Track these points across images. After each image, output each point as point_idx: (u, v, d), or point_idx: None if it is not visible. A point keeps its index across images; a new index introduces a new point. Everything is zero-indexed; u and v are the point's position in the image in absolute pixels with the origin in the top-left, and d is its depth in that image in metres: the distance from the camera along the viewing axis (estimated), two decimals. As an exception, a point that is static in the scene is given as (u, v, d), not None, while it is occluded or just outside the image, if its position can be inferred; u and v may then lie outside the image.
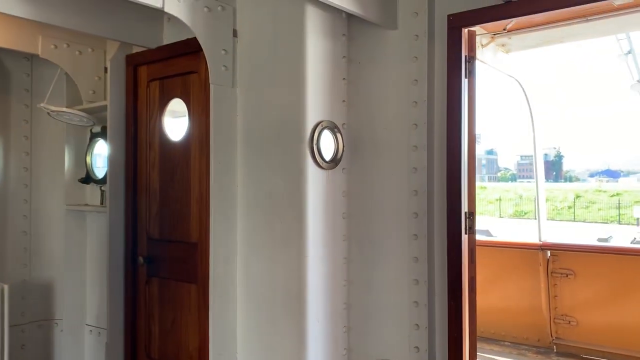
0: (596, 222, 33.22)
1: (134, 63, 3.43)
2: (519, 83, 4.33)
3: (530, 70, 4.49)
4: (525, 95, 4.46)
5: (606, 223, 32.66)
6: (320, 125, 2.56)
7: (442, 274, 2.61)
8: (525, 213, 36.45)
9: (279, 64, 2.64)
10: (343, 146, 2.71)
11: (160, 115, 3.26)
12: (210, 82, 2.74)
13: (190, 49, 2.96)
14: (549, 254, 4.69)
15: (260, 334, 2.67)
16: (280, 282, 2.61)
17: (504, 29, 3.06)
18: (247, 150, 2.71)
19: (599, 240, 22.14)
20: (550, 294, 4.67)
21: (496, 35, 3.48)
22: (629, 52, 24.15)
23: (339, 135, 2.68)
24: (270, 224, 2.65)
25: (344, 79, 2.78)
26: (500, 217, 37.31)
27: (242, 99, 2.73)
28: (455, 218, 2.57)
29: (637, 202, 33.22)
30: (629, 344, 4.30)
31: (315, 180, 2.56)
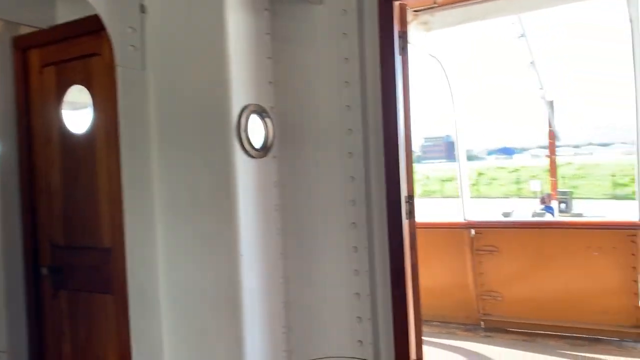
0: (499, 197, 35.33)
1: (23, 46, 2.97)
2: (440, 63, 4.31)
3: (448, 51, 4.47)
4: (447, 76, 4.46)
5: (507, 197, 34.84)
6: (247, 109, 2.30)
7: (384, 262, 2.47)
8: (433, 192, 38.03)
9: (195, 41, 2.35)
10: (273, 132, 2.48)
11: (58, 105, 2.84)
12: (116, 64, 2.41)
13: (90, 27, 2.59)
14: (473, 232, 4.75)
15: (190, 345, 2.39)
16: (210, 285, 2.35)
17: (434, 2, 2.95)
18: (163, 140, 2.40)
19: (504, 214, 23.55)
20: (476, 271, 4.74)
21: (419, 12, 3.38)
22: (522, 36, 25.61)
23: (268, 120, 2.45)
24: (195, 222, 2.37)
25: (269, 57, 2.54)
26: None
27: (154, 83, 2.41)
28: (394, 203, 2.43)
29: (533, 176, 35.72)
30: (551, 315, 4.46)
31: (244, 171, 2.31)
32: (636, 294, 4.10)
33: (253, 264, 2.36)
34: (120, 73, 2.41)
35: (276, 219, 2.55)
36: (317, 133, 2.56)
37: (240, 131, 2.26)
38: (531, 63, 25.59)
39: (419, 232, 4.97)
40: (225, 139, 2.26)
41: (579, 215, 21.10)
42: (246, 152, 2.30)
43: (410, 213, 2.51)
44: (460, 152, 4.85)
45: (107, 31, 2.40)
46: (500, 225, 4.73)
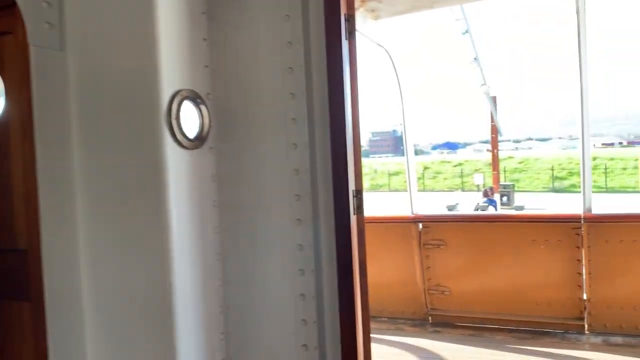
0: (443, 191, 36.15)
1: None
2: (388, 53, 4.19)
3: (396, 42, 4.36)
4: (394, 67, 4.35)
5: (452, 191, 35.70)
6: (179, 95, 2.08)
7: (331, 260, 2.32)
8: (380, 186, 38.51)
9: (121, 19, 2.11)
10: (209, 120, 2.27)
11: (-37, 89, 2.52)
12: (29, 44, 2.13)
13: (1, 2, 2.30)
14: (420, 226, 4.69)
15: (116, 356, 2.16)
16: (140, 290, 2.12)
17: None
18: (85, 129, 2.15)
19: (448, 207, 24.05)
20: (424, 265, 4.68)
21: (367, -1, 3.25)
22: (466, 32, 26.11)
23: (203, 108, 2.23)
24: (122, 220, 2.13)
25: (205, 39, 2.32)
26: (359, 191, 38.89)
27: (75, 66, 2.15)
28: (342, 197, 2.28)
29: (476, 170, 36.70)
30: (498, 308, 4.46)
31: (176, 163, 2.09)
32: (580, 286, 4.15)
33: (187, 265, 2.15)
34: (33, 53, 2.14)
35: (213, 216, 2.34)
36: (259, 122, 2.37)
37: (172, 119, 2.03)
38: (475, 59, 26.08)
39: (366, 227, 4.88)
40: (154, 128, 2.03)
41: (521, 207, 21.83)
42: (178, 142, 2.08)
43: (359, 208, 2.37)
44: (409, 146, 4.77)
45: (19, 6, 2.12)
46: (447, 219, 4.69)
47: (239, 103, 2.38)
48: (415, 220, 4.62)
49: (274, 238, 2.37)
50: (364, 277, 2.38)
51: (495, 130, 32.43)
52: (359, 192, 2.36)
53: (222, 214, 2.38)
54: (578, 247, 4.13)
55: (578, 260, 4.14)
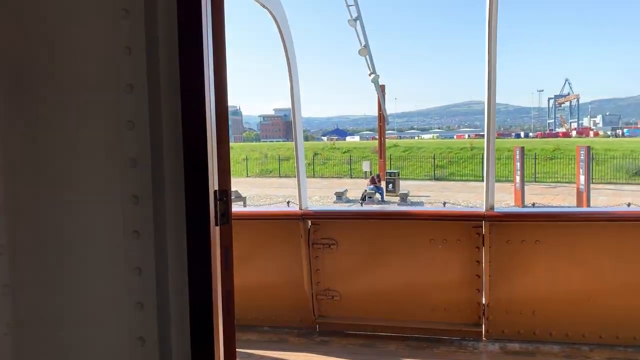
0: (332, 177, 36.43)
1: None
2: (274, 17, 3.51)
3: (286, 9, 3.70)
4: (282, 34, 3.68)
5: (340, 178, 36.07)
6: None
7: (182, 291, 1.62)
8: (270, 171, 38.00)
9: None
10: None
11: None
12: None
13: None
14: (309, 224, 4.12)
15: None
16: None
17: None
18: None
19: (336, 194, 24.09)
20: (312, 267, 4.12)
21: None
22: (357, 19, 26.04)
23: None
24: None
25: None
26: (247, 176, 38.10)
27: None
28: (199, 201, 1.59)
29: (364, 157, 37.41)
30: (392, 314, 4.02)
31: None
32: (479, 290, 3.81)
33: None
34: None
35: (-3, 228, 1.54)
36: (75, 89, 1.59)
37: None
38: (364, 46, 26.10)
39: (248, 223, 4.19)
40: None
41: (405, 195, 22.37)
42: None
43: (225, 216, 1.68)
44: (298, 135, 4.14)
45: None
46: (339, 216, 4.15)
47: (43, 60, 1.59)
48: (304, 216, 4.03)
49: (100, 258, 1.62)
50: (229, 313, 1.70)
51: (382, 119, 33.18)
52: (224, 194, 1.68)
53: (13, 226, 1.58)
54: (478, 248, 3.79)
55: (477, 261, 3.80)
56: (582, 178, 19.19)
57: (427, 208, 4.46)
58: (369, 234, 4.06)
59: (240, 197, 19.52)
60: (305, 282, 4.11)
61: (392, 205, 21.62)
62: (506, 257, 3.77)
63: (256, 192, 27.69)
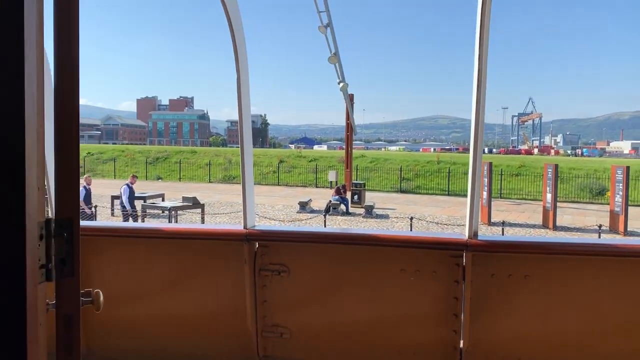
0: (297, 185, 35.68)
1: None
2: (227, 14, 2.80)
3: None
4: (233, 31, 2.97)
5: (305, 187, 35.36)
6: None
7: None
8: (234, 177, 36.98)
9: None
10: None
11: None
12: None
13: None
14: (256, 246, 3.41)
15: None
16: None
17: None
18: None
19: (300, 203, 23.35)
20: (258, 298, 3.41)
21: None
22: (328, 26, 25.52)
23: None
24: None
25: None
26: (209, 181, 37.01)
27: None
28: (10, 243, 0.87)
29: (330, 167, 36.83)
30: (350, 355, 3.36)
31: None
32: (456, 331, 3.17)
33: None
34: None
35: None
36: None
37: None
38: (334, 54, 25.56)
39: (181, 243, 3.46)
40: None
41: (371, 207, 21.82)
42: None
43: (67, 265, 0.96)
44: (245, 144, 3.41)
45: None
46: (292, 237, 3.43)
47: None
48: (249, 237, 3.32)
49: None
50: None
51: (350, 128, 32.70)
52: (67, 227, 0.96)
53: None
54: (457, 282, 3.16)
55: (456, 298, 3.17)
56: (548, 196, 19.01)
57: (399, 233, 3.77)
58: (328, 260, 3.38)
59: (198, 204, 18.57)
60: (248, 315, 3.39)
61: (357, 217, 21.04)
62: (490, 294, 3.14)
63: (218, 199, 26.72)
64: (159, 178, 39.17)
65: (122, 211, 16.28)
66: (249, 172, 3.43)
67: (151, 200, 20.22)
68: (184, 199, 18.94)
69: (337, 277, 3.37)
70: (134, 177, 17.55)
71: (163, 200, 21.12)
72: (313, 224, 18.26)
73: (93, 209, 16.36)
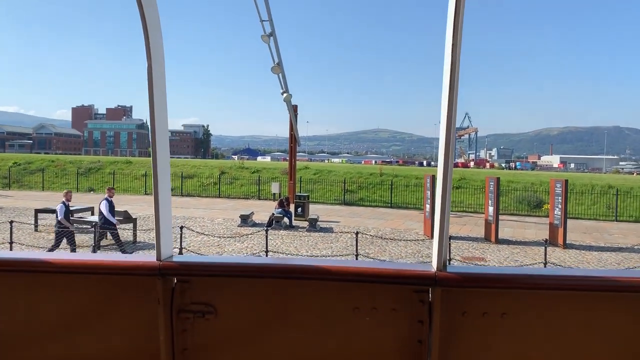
0: (239, 198, 34.65)
1: None
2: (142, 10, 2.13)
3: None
4: (146, 28, 2.31)
5: (248, 199, 34.41)
6: None
7: None
8: (172, 189, 35.48)
9: None
10: None
11: None
12: None
13: None
14: (175, 281, 2.72)
15: None
16: None
17: None
18: None
19: (241, 217, 22.45)
20: (177, 346, 2.72)
21: None
22: (271, 35, 24.90)
23: None
24: None
25: None
26: (145, 193, 35.36)
27: None
28: None
29: (273, 178, 36.06)
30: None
31: None
32: (421, 384, 2.59)
33: None
34: None
35: None
36: None
37: None
38: (277, 64, 24.99)
39: (79, 278, 2.73)
40: None
41: (315, 220, 21.23)
42: None
43: None
44: (159, 153, 2.71)
45: None
46: (220, 270, 2.75)
47: None
48: (164, 271, 2.62)
49: None
50: None
51: (294, 139, 32.11)
52: None
53: None
54: (422, 322, 2.59)
55: (420, 341, 2.60)
56: (490, 209, 19.10)
57: (351, 264, 3.11)
58: (265, 297, 2.73)
59: (130, 219, 17.37)
60: None
61: (301, 231, 20.41)
62: (461, 336, 2.59)
63: (152, 212, 25.37)
64: (90, 190, 37.03)
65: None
66: (165, 189, 2.74)
67: (79, 215, 18.80)
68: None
69: (275, 317, 2.73)
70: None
71: (93, 214, 19.73)
72: (254, 239, 17.47)
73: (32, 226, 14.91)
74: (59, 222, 14.50)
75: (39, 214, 19.53)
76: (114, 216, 15.60)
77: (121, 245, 15.46)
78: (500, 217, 20.75)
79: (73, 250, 14.92)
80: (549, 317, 2.58)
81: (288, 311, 2.71)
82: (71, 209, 18.74)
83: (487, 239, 19.14)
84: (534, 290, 2.59)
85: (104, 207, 15.49)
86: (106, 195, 15.86)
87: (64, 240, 14.31)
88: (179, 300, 2.69)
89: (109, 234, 15.71)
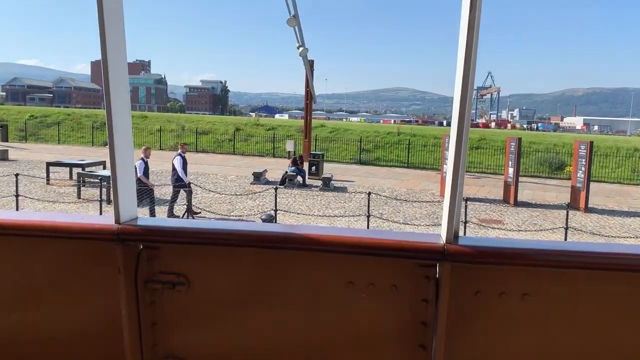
0: (253, 155, 34.37)
1: None
2: None
3: None
4: None
5: (262, 156, 34.11)
6: None
7: None
8: (187, 145, 35.29)
9: None
10: None
11: None
12: None
13: None
14: (140, 247, 2.34)
15: None
16: None
17: None
18: None
19: (254, 174, 22.17)
20: (144, 320, 2.36)
21: None
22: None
23: None
24: None
25: None
26: (160, 149, 35.28)
27: None
28: None
29: (289, 136, 35.61)
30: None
31: None
32: (419, 370, 2.22)
33: None
34: None
35: None
36: None
37: None
38: (293, 16, 24.59)
39: (25, 242, 2.38)
40: None
41: (328, 179, 20.85)
42: None
43: None
44: (115, 101, 2.28)
45: None
46: (192, 237, 2.36)
47: None
48: (124, 236, 2.23)
49: None
50: None
51: (309, 96, 31.43)
52: None
53: None
54: (426, 301, 2.19)
55: (424, 323, 2.20)
56: (510, 170, 18.50)
57: (344, 232, 2.68)
58: (245, 268, 2.34)
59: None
60: (127, 342, 2.34)
61: (314, 190, 20.09)
62: (472, 319, 2.19)
63: (167, 168, 25.23)
64: (106, 144, 37.05)
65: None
66: (124, 139, 2.31)
67: (90, 169, 18.69)
68: (125, 167, 17.49)
69: (257, 291, 2.35)
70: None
71: (104, 168, 19.61)
72: (265, 197, 17.20)
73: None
74: (138, 179, 13.62)
75: (50, 168, 19.46)
76: (186, 174, 14.81)
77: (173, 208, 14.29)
78: (520, 179, 20.14)
79: (152, 209, 14.13)
80: (580, 298, 2.16)
81: (272, 284, 2.33)
82: (82, 162, 18.62)
83: (505, 201, 18.62)
84: (564, 269, 2.16)
85: (177, 164, 14.61)
86: (179, 151, 15.26)
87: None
88: (146, 269, 2.31)
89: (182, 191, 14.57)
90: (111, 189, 2.25)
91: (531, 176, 27.52)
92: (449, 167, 2.20)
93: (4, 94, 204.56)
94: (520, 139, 18.74)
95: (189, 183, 14.55)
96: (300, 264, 2.29)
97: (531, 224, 15.41)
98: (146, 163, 14.33)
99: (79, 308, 2.39)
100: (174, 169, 14.94)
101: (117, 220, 2.26)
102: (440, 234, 2.16)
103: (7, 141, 36.26)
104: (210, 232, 2.34)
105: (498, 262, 2.14)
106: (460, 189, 2.14)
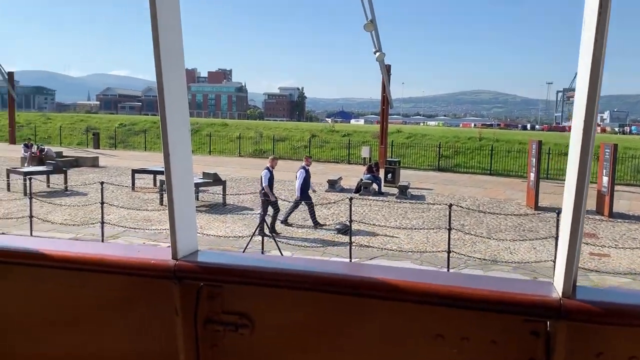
0: (328, 162, 34.30)
1: None
2: None
3: None
4: None
5: (337, 163, 33.98)
6: None
7: None
8: (264, 152, 35.88)
9: None
10: None
11: None
12: None
13: None
14: (201, 285, 2.11)
15: None
16: None
17: None
18: None
19: (329, 182, 21.99)
20: (205, 365, 2.13)
21: None
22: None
23: None
24: None
25: None
26: (240, 155, 36.07)
27: None
28: None
29: (364, 142, 35.26)
30: None
31: None
32: None
33: None
34: None
35: None
36: None
37: None
38: (370, 21, 23.91)
39: (67, 276, 2.20)
40: None
41: (405, 187, 20.26)
42: None
43: None
44: (171, 125, 2.07)
45: None
46: (260, 278, 2.09)
47: None
48: (181, 273, 2.01)
49: None
50: None
51: (386, 101, 30.91)
52: None
53: None
54: (534, 361, 1.79)
55: (534, 391, 1.80)
56: (604, 179, 17.10)
57: (434, 280, 2.29)
58: (316, 312, 2.05)
59: (219, 181, 17.47)
60: None
61: (390, 198, 19.59)
62: None
63: (245, 175, 25.65)
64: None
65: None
66: (182, 167, 2.09)
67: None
68: (205, 174, 17.90)
69: (328, 339, 2.05)
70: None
71: (186, 175, 20.17)
72: (340, 206, 16.93)
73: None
74: (262, 190, 13.35)
75: (136, 174, 20.29)
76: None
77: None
78: (616, 187, 18.59)
79: (272, 222, 13.20)
80: None
81: (343, 332, 2.02)
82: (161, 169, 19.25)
83: (599, 212, 17.23)
84: None
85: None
86: (304, 164, 15.00)
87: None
88: (206, 308, 2.08)
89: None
90: (169, 222, 2.02)
91: (626, 184, 25.44)
92: (565, 200, 1.80)
93: (98, 102, 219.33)
94: (616, 146, 17.28)
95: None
96: (376, 311, 1.96)
97: (630, 238, 14.09)
98: (271, 173, 13.81)
99: (130, 348, 2.19)
100: (296, 179, 14.76)
101: (175, 256, 2.04)
102: (554, 284, 1.76)
103: (98, 148, 38.63)
104: (278, 274, 2.06)
105: (630, 324, 1.71)
106: (581, 228, 1.73)
